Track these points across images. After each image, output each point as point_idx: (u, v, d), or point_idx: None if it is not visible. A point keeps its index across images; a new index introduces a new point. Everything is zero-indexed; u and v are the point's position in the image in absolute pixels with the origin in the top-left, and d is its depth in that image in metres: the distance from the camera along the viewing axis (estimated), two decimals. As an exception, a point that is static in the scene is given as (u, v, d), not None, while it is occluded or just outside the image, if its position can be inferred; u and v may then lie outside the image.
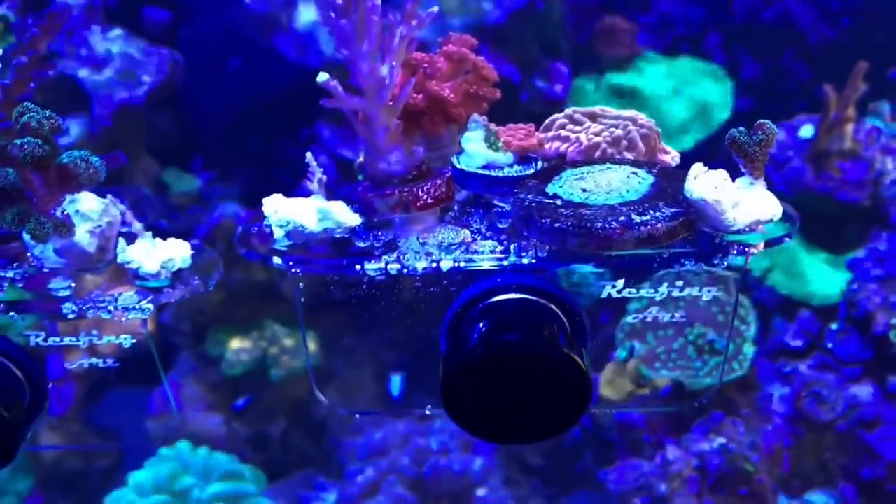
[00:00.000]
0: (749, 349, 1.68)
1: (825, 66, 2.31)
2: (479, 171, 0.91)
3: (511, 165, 0.92)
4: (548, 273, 0.86)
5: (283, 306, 2.03)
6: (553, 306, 0.85)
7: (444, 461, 1.76)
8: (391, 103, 0.83)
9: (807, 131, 1.90)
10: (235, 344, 1.99)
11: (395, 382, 1.91)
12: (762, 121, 0.80)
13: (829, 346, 1.73)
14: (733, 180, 0.80)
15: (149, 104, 2.03)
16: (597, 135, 0.92)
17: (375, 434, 1.83)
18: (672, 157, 0.93)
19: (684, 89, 2.14)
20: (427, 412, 0.95)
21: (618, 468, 1.69)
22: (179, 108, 2.17)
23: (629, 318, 0.86)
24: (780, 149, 1.92)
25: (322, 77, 0.81)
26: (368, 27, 0.80)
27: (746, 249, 0.79)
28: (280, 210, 0.85)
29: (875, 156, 1.88)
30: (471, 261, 0.84)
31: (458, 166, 0.91)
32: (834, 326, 1.76)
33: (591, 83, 2.19)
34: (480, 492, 1.90)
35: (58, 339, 0.89)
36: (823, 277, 1.85)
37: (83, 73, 1.91)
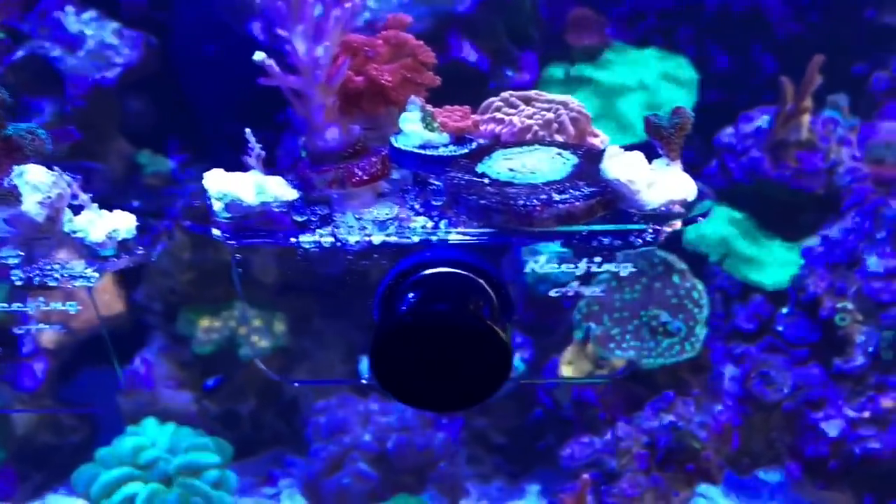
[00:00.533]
0: (701, 331, 1.73)
1: (792, 59, 2.35)
2: (416, 151, 0.95)
3: (446, 145, 0.96)
4: (478, 249, 0.90)
5: (253, 287, 2.06)
6: (481, 281, 0.89)
7: (406, 438, 1.80)
8: (327, 82, 0.87)
9: (764, 122, 1.94)
10: (206, 323, 2.02)
11: (365, 364, 1.95)
12: (678, 106, 0.84)
13: (780, 328, 1.78)
14: (650, 161, 0.85)
15: (122, 86, 2.06)
16: (529, 118, 0.96)
17: (338, 413, 1.87)
18: (601, 140, 0.97)
19: (649, 79, 2.18)
20: (363, 381, 0.99)
21: (571, 444, 1.74)
22: (154, 91, 2.19)
23: (551, 293, 0.91)
24: (740, 139, 1.96)
25: (258, 56, 0.84)
26: (303, 9, 0.83)
27: (659, 228, 0.83)
28: (219, 184, 0.88)
29: (831, 146, 1.92)
30: (403, 235, 0.88)
31: (396, 145, 0.95)
32: (785, 310, 1.81)
33: (560, 72, 2.23)
34: (442, 469, 1.95)
35: (6, 305, 0.92)
36: (778, 264, 1.90)
37: (56, 53, 1.94)
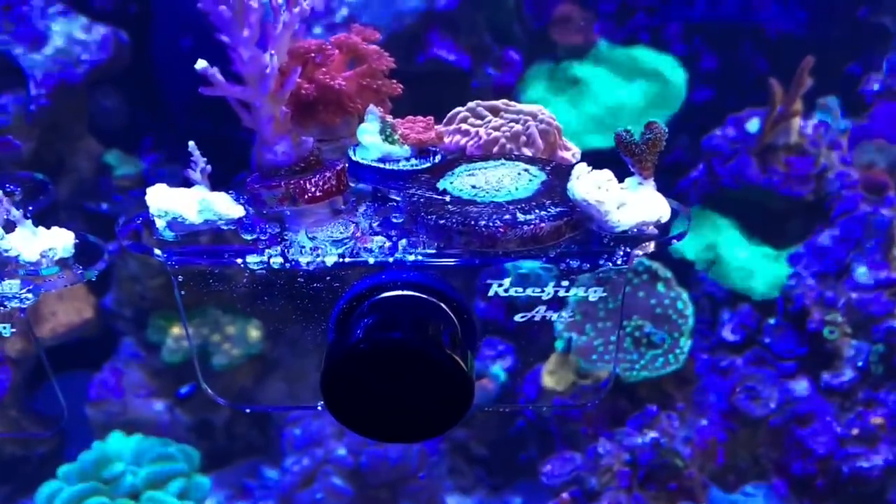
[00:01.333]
0: (686, 343, 1.67)
1: (782, 59, 2.29)
2: (374, 164, 0.89)
3: (408, 159, 0.90)
4: (438, 270, 0.84)
5: (226, 293, 2.00)
6: (443, 305, 0.83)
7: (380, 452, 1.75)
8: (275, 92, 0.81)
9: (753, 125, 1.89)
10: (176, 330, 1.96)
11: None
12: (651, 120, 0.78)
13: (766, 340, 1.73)
14: (621, 181, 0.79)
15: (90, 83, 1.99)
16: (496, 129, 0.90)
17: (312, 425, 1.82)
18: (573, 153, 0.92)
19: (637, 79, 2.12)
20: (319, 408, 0.93)
21: (551, 461, 1.68)
22: (124, 89, 2.12)
23: (517, 317, 0.85)
24: (728, 142, 1.90)
25: (200, 64, 0.78)
26: (247, 13, 0.77)
27: (629, 251, 0.78)
28: (160, 201, 0.82)
29: (820, 151, 1.86)
30: (357, 256, 0.82)
31: (354, 158, 0.89)
32: (772, 321, 1.75)
33: (545, 71, 2.17)
34: (419, 482, 1.90)
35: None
36: (765, 272, 1.85)
37: (19, 50, 1.87)
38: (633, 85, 2.16)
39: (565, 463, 1.63)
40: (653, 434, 1.58)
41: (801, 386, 1.67)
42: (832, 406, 1.66)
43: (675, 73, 2.20)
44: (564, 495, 1.52)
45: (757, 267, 1.84)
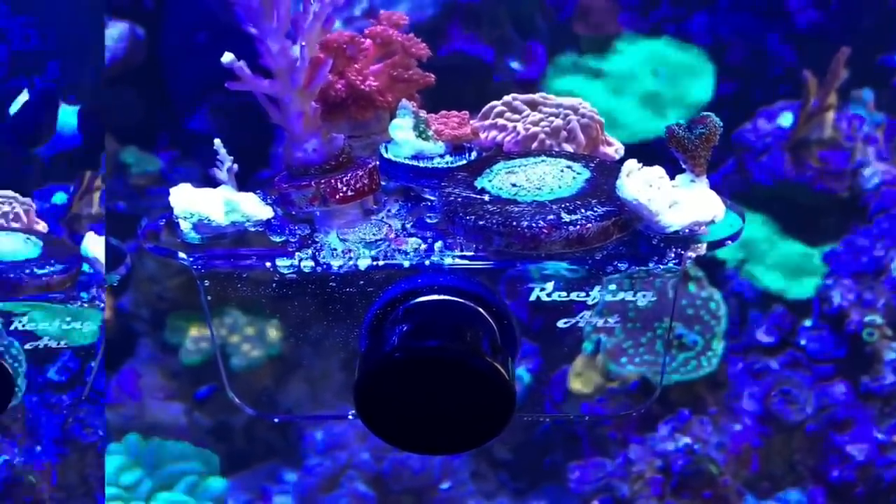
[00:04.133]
0: (718, 345, 1.63)
1: (812, 50, 2.24)
2: (408, 162, 0.85)
3: (442, 156, 0.86)
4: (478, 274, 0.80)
5: (252, 298, 1.97)
6: (481, 310, 0.79)
7: (404, 457, 1.71)
8: (305, 87, 0.77)
9: (786, 119, 1.83)
10: (195, 331, 1.93)
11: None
12: (705, 113, 0.74)
13: (802, 343, 1.68)
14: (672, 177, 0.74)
15: (107, 80, 1.96)
16: (535, 124, 0.86)
17: (334, 428, 1.78)
18: (615, 149, 0.87)
19: (663, 71, 2.07)
20: (350, 417, 0.89)
21: (580, 467, 1.64)
22: (140, 85, 2.10)
23: (560, 323, 0.81)
24: (759, 137, 1.85)
25: (227, 58, 0.74)
26: (277, 3, 0.73)
27: (682, 253, 0.73)
28: (185, 202, 0.79)
29: (856, 145, 1.81)
30: (391, 258, 0.78)
31: (386, 156, 0.85)
32: (807, 323, 1.70)
33: (569, 64, 2.12)
34: (445, 486, 1.86)
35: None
36: (799, 271, 1.80)
37: (34, 48, 1.84)
38: (658, 78, 2.12)
39: (595, 469, 1.59)
40: (686, 439, 1.53)
41: (838, 390, 1.62)
42: (872, 411, 1.60)
43: (701, 65, 2.16)
44: (595, 502, 1.48)
45: (791, 266, 1.79)
